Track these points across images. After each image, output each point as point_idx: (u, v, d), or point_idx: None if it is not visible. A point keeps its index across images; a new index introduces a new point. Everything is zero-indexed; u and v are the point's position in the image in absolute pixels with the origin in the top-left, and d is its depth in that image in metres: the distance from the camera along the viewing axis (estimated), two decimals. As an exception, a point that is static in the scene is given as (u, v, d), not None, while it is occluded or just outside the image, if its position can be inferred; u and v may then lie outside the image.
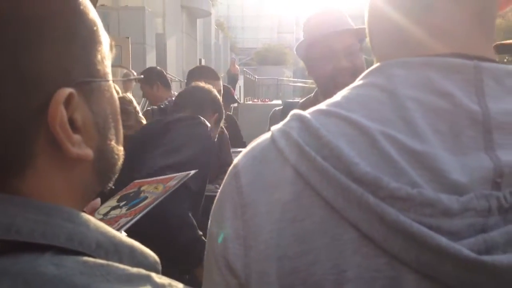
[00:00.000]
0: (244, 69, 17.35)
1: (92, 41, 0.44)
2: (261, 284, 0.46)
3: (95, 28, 0.44)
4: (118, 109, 0.48)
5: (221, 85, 2.41)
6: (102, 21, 0.47)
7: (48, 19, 0.39)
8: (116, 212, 1.00)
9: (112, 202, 1.08)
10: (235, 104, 6.79)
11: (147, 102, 3.44)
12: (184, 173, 1.17)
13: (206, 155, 1.62)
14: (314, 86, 1.67)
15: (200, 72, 2.39)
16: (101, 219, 0.93)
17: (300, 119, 0.49)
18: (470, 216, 0.41)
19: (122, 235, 0.42)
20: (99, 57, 0.44)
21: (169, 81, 3.32)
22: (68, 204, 0.42)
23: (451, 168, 0.42)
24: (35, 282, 0.33)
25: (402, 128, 0.45)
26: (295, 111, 0.51)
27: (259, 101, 11.53)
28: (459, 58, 0.47)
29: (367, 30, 0.57)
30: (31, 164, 0.40)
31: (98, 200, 0.91)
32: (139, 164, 1.58)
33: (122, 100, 1.88)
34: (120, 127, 0.49)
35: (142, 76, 3.14)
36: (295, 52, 1.53)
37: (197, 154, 1.55)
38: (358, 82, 0.52)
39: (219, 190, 0.52)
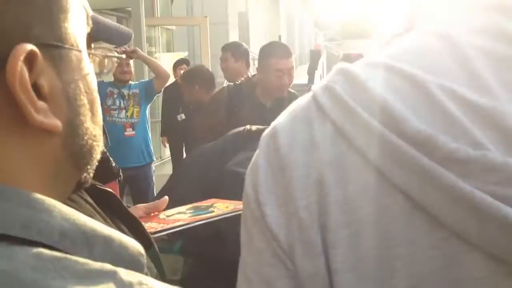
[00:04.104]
0: (327, 44, 16.94)
1: (58, 3, 0.40)
2: (307, 256, 0.42)
3: None
4: (95, 88, 0.44)
5: (292, 62, 2.42)
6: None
7: None
8: (180, 216, 1.04)
9: (182, 208, 1.12)
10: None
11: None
12: None
13: None
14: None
15: (272, 51, 2.39)
16: (163, 219, 0.96)
17: (344, 71, 0.44)
18: None
19: (97, 223, 0.38)
20: (68, 22, 0.41)
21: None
22: (34, 185, 0.38)
23: None
24: None
25: (463, 80, 0.40)
26: (340, 64, 0.46)
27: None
28: None
29: None
30: None
31: (166, 198, 0.91)
32: (227, 159, 1.61)
33: None
34: (99, 110, 0.45)
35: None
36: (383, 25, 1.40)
37: None
38: (411, 31, 0.47)
39: (255, 152, 0.49)
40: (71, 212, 0.37)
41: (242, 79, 2.66)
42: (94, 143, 0.44)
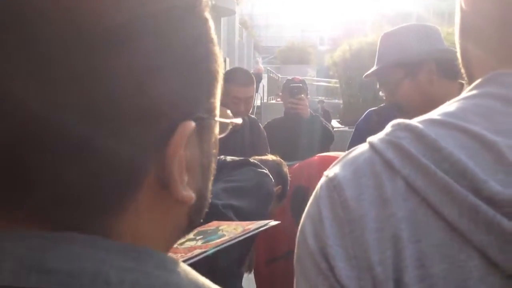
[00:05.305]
0: (268, 67, 17.33)
1: (212, 76, 0.39)
2: None
3: (218, 61, 0.40)
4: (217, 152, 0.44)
5: (253, 91, 2.37)
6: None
7: (177, 43, 0.36)
8: (192, 243, 1.01)
9: (189, 235, 1.09)
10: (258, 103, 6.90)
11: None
12: (263, 222, 1.18)
13: (266, 211, 1.63)
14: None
15: (233, 77, 2.35)
16: (176, 248, 0.94)
17: (409, 129, 0.44)
18: None
19: (209, 282, 0.39)
20: (216, 92, 0.40)
21: None
22: (156, 248, 0.38)
23: None
24: None
25: None
26: (399, 120, 0.46)
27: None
28: None
29: (459, 43, 0.52)
30: (134, 203, 0.35)
31: None
32: None
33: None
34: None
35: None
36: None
37: (260, 208, 1.57)
38: (470, 92, 0.47)
39: (309, 203, 0.48)
40: (190, 271, 0.37)
41: None
42: (206, 206, 0.43)
